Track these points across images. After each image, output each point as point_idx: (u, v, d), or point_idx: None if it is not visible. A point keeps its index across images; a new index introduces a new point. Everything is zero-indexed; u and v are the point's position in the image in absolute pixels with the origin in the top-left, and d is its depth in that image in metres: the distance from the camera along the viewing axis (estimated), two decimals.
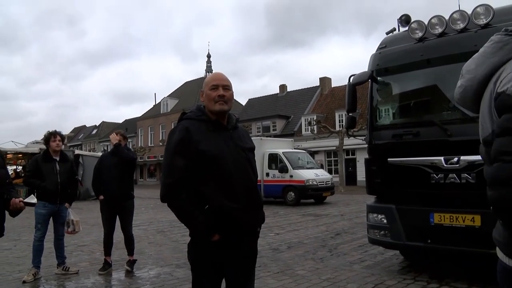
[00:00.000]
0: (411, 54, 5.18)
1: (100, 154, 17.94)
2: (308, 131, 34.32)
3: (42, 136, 6.36)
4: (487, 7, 4.57)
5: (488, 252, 4.38)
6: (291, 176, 16.85)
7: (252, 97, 48.12)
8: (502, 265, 1.42)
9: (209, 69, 63.16)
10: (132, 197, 6.00)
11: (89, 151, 46.18)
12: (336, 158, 31.29)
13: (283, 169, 17.00)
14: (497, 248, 1.45)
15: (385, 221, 5.21)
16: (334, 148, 29.19)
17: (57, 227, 5.80)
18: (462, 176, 4.58)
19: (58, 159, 5.75)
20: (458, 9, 4.90)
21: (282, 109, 41.82)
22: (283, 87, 45.23)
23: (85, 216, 12.48)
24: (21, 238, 8.99)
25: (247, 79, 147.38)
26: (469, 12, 4.68)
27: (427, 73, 5.20)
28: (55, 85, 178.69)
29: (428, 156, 4.83)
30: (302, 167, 17.58)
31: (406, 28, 5.26)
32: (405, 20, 5.44)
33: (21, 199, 3.53)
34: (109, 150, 6.36)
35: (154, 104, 55.94)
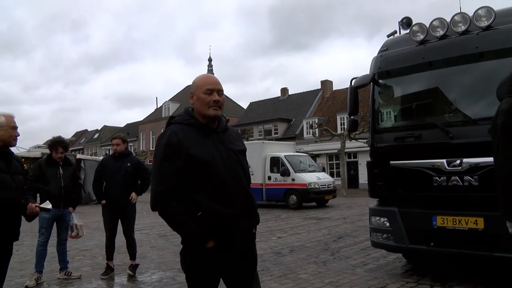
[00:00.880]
0: (413, 56, 5.17)
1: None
2: (309, 134, 34.29)
3: (44, 141, 6.37)
4: (488, 9, 4.57)
5: (491, 255, 4.37)
6: (293, 180, 16.83)
7: (254, 101, 48.19)
8: None
9: (210, 72, 63.25)
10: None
11: (91, 155, 46.23)
12: (338, 161, 31.30)
13: (285, 173, 16.98)
14: None
15: (387, 224, 5.20)
16: (336, 151, 29.15)
17: (60, 231, 5.80)
18: (465, 179, 4.56)
19: (61, 163, 5.76)
20: (459, 11, 4.89)
21: (283, 112, 41.82)
22: (284, 90, 45.24)
23: (87, 220, 12.47)
24: (23, 243, 8.96)
25: (250, 82, 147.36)
26: (471, 14, 4.68)
27: (428, 76, 5.20)
28: (58, 89, 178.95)
29: (430, 159, 4.82)
30: (304, 171, 17.56)
31: (408, 31, 5.26)
32: (406, 22, 5.44)
33: (37, 204, 3.71)
34: (110, 154, 6.36)
35: (155, 108, 56.07)
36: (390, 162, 5.17)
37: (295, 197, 16.75)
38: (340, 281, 5.31)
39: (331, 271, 5.87)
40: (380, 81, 5.56)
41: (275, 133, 39.39)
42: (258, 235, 2.60)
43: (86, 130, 72.09)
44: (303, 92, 43.58)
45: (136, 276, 5.83)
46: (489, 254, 4.38)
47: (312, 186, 16.59)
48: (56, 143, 5.73)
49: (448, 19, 4.84)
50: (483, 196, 4.46)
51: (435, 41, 5.00)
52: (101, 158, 19.24)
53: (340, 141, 25.97)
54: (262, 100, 47.22)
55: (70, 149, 53.17)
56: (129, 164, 5.88)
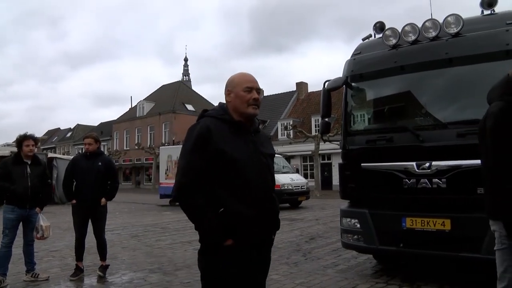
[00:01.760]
0: (385, 60, 5.25)
1: None
2: (284, 135, 34.51)
3: (15, 139, 6.19)
4: (457, 16, 4.70)
5: (457, 255, 4.49)
6: None
7: None
8: None
9: (185, 72, 62.95)
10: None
11: (63, 154, 45.26)
12: (312, 163, 31.53)
13: None
14: None
15: (358, 225, 5.26)
16: (310, 152, 29.36)
17: (26, 232, 5.62)
18: (433, 181, 4.66)
19: (29, 162, 5.60)
20: (430, 17, 5.00)
21: (258, 113, 41.79)
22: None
23: (58, 220, 12.21)
24: None
25: None
26: (441, 21, 4.79)
27: (400, 80, 5.28)
28: (33, 86, 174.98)
29: (401, 162, 4.91)
30: (277, 172, 17.51)
31: (381, 35, 5.34)
32: (379, 27, 5.53)
33: None
34: (82, 153, 6.25)
35: (130, 107, 55.28)
36: (362, 164, 5.23)
37: None
38: (311, 282, 5.34)
39: (303, 272, 5.91)
40: (352, 84, 5.63)
41: None
42: None
43: (59, 128, 70.51)
44: (278, 94, 43.80)
45: (107, 277, 5.72)
46: (455, 255, 4.49)
47: (286, 187, 16.65)
48: (25, 138, 5.57)
49: (420, 25, 4.94)
50: (450, 198, 4.58)
51: (407, 45, 5.09)
52: None
53: (314, 142, 26.19)
54: None
55: (42, 147, 52.25)
56: (100, 164, 5.79)
